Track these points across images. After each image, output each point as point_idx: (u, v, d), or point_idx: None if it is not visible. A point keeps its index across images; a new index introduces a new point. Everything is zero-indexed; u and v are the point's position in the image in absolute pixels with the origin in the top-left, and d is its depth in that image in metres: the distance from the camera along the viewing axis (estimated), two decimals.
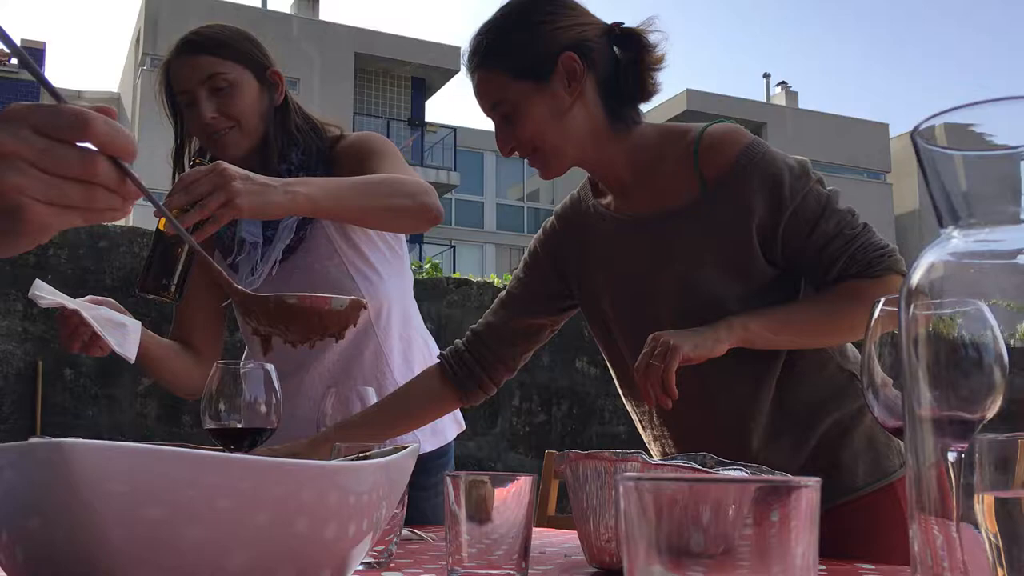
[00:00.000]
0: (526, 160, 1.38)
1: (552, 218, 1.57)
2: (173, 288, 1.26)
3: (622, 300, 1.43)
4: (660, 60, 1.35)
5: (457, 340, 1.58)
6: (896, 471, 1.36)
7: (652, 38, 1.35)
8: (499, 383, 1.58)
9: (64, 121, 0.66)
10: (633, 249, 1.40)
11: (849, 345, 1.40)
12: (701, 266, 1.32)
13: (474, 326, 1.59)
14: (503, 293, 1.59)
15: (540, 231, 1.58)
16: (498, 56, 1.33)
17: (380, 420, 1.42)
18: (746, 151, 1.30)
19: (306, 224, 1.65)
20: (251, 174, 1.26)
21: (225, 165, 1.24)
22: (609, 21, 1.37)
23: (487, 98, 1.35)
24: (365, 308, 1.24)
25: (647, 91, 1.36)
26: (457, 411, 1.82)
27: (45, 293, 1.43)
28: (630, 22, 1.37)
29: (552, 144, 1.34)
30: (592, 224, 1.47)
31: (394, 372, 1.71)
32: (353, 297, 1.25)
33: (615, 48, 1.35)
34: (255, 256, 1.65)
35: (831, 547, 1.23)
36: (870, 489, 1.34)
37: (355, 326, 1.22)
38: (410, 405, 1.53)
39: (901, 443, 1.02)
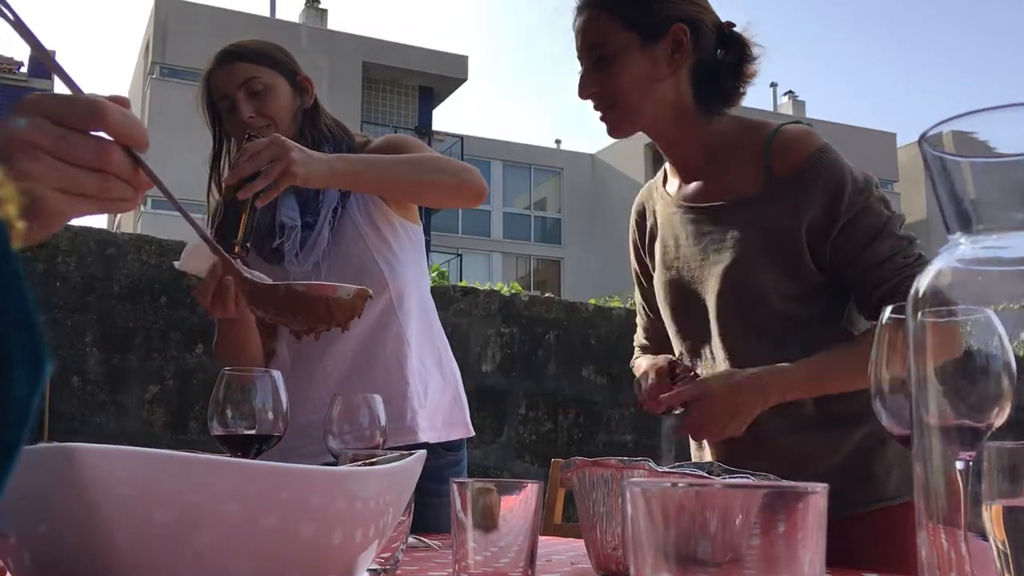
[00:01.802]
0: (599, 114, 1.40)
1: (634, 206, 1.62)
2: (236, 246, 1.38)
3: (673, 284, 1.47)
4: (753, 74, 1.40)
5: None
6: None
7: (755, 50, 1.39)
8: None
9: (79, 110, 0.66)
10: (689, 235, 1.43)
11: None
12: (750, 257, 1.34)
13: (640, 343, 1.66)
14: (637, 299, 1.66)
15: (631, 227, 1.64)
16: (619, 0, 1.35)
17: None
18: (817, 153, 1.33)
19: (337, 211, 1.74)
20: (302, 147, 1.41)
21: (283, 137, 1.38)
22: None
23: (590, 36, 1.37)
24: (370, 297, 1.25)
25: (735, 96, 1.41)
26: (467, 415, 1.82)
27: (192, 258, 1.46)
28: None
29: (635, 104, 1.36)
30: (657, 207, 1.53)
31: (414, 354, 1.73)
32: (359, 287, 1.26)
33: (719, 46, 1.38)
34: (297, 240, 1.72)
35: (860, 552, 1.23)
36: (900, 501, 1.32)
37: (360, 317, 1.23)
38: None
39: None
